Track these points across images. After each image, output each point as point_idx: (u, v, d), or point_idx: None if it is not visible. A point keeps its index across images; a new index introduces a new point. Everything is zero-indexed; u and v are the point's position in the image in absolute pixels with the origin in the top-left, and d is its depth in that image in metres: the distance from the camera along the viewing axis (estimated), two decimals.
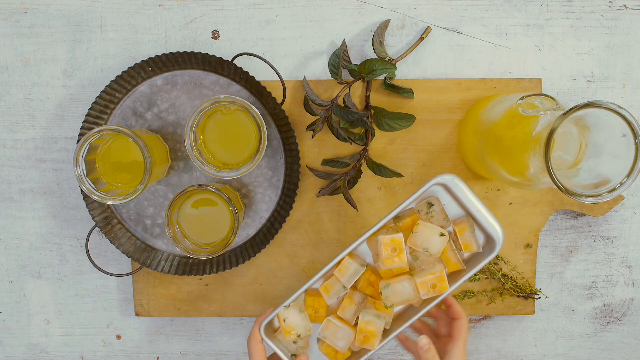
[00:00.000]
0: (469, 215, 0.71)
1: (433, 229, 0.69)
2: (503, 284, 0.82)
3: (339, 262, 0.71)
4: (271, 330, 0.74)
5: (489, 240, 0.71)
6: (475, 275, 0.82)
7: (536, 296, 0.83)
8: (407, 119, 0.78)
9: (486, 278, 0.83)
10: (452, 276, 0.71)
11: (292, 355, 0.73)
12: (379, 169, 0.79)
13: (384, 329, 0.71)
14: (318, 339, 0.74)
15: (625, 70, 0.82)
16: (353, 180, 0.81)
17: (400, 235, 0.69)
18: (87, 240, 0.80)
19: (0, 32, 0.82)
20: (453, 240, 0.71)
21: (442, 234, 0.69)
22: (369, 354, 0.72)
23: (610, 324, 0.87)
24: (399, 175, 0.78)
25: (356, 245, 0.71)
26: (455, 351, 0.70)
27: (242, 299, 0.84)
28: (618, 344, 0.87)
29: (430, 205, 0.71)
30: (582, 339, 0.87)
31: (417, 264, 0.71)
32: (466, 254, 0.72)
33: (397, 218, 0.72)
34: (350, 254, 0.71)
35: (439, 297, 0.70)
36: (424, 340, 0.70)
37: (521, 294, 0.82)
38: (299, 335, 0.73)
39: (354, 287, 0.73)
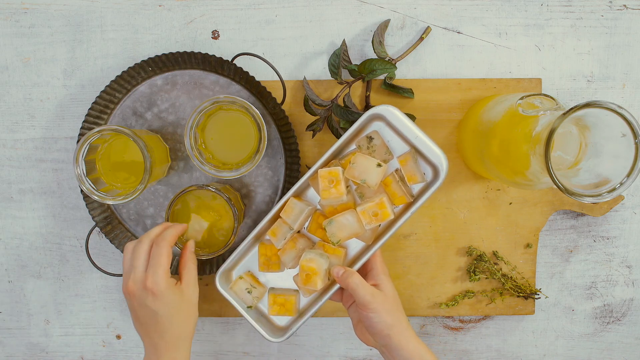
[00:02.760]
0: (411, 146, 0.70)
1: (370, 160, 0.68)
2: (503, 284, 0.82)
3: (284, 204, 0.72)
4: (226, 282, 0.76)
5: (435, 169, 0.70)
6: (475, 275, 0.82)
7: (536, 296, 0.83)
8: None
9: (486, 278, 0.83)
10: (403, 211, 0.71)
11: (248, 307, 0.75)
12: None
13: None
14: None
15: (625, 70, 0.82)
16: None
17: (338, 168, 0.69)
18: (87, 240, 0.80)
19: (0, 32, 0.82)
20: (399, 175, 0.71)
21: (379, 165, 0.68)
22: (319, 302, 0.73)
23: (610, 324, 0.87)
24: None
25: (299, 185, 0.72)
26: (376, 265, 0.71)
27: None
28: (618, 344, 0.87)
29: (370, 139, 0.71)
30: (582, 339, 0.87)
31: (363, 200, 0.71)
32: (415, 188, 0.72)
33: (340, 160, 0.72)
34: (296, 197, 0.72)
35: (385, 230, 0.71)
36: (336, 269, 0.70)
37: (521, 294, 0.82)
38: (253, 287, 0.75)
39: (302, 234, 0.73)
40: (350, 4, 0.81)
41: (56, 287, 0.86)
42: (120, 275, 0.81)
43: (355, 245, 0.74)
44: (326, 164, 0.71)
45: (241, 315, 0.84)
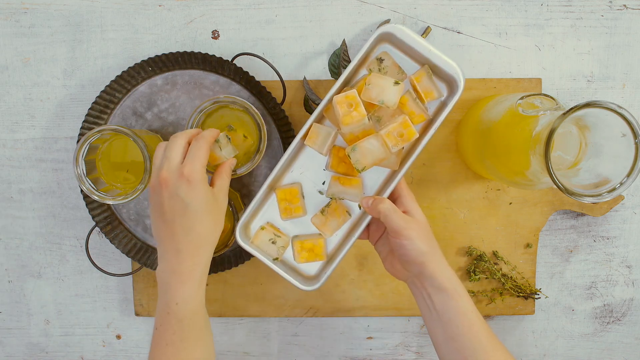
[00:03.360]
0: (424, 62, 0.68)
1: (386, 79, 0.65)
2: (503, 284, 0.82)
3: (306, 133, 0.68)
4: (246, 237, 0.72)
5: (451, 84, 0.68)
6: (475, 275, 0.82)
7: (536, 296, 0.83)
8: None
9: (486, 278, 0.83)
10: (423, 131, 0.70)
11: (274, 259, 0.71)
12: None
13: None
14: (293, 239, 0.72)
15: (625, 70, 0.82)
16: None
17: (353, 91, 0.65)
18: (87, 240, 0.80)
19: (0, 32, 0.82)
20: (413, 92, 0.69)
21: (397, 82, 0.65)
22: (347, 242, 0.70)
23: (610, 324, 0.87)
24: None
25: (316, 116, 0.68)
26: (403, 192, 0.69)
27: (242, 299, 0.84)
28: (618, 344, 0.87)
29: (381, 61, 0.69)
30: (582, 339, 0.87)
31: (381, 124, 0.69)
32: (430, 105, 0.69)
33: (352, 86, 0.69)
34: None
35: (409, 153, 0.68)
36: (365, 198, 0.67)
37: (521, 294, 0.82)
38: (277, 236, 0.71)
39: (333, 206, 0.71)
40: (350, 4, 0.81)
41: (56, 287, 0.86)
42: (121, 275, 0.81)
43: (377, 176, 0.71)
44: (338, 93, 0.68)
45: (242, 315, 0.84)
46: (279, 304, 0.84)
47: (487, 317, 0.86)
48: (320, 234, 0.72)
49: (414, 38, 0.66)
